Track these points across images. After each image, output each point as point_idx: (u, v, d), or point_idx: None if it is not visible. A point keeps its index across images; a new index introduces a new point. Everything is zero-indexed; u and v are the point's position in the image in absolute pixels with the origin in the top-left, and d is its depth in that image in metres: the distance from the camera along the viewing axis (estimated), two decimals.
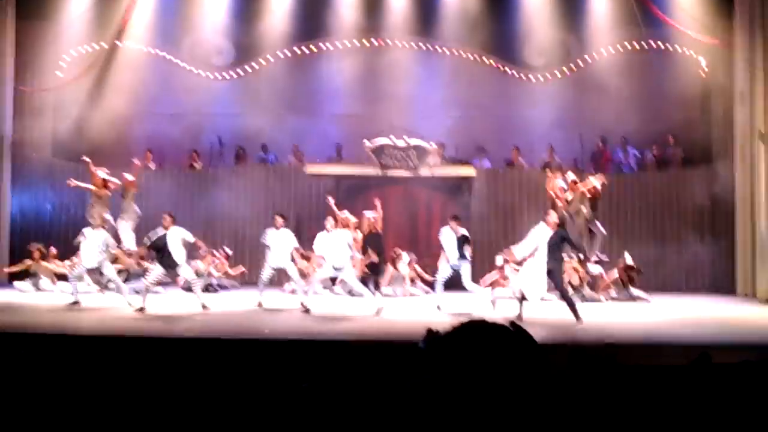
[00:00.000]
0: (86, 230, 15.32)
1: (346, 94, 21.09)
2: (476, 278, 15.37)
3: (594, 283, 16.77)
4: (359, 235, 16.74)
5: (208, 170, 20.58)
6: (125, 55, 20.69)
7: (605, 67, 20.45)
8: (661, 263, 19.02)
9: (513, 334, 2.51)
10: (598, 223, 17.16)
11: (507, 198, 19.75)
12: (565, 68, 20.97)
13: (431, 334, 2.99)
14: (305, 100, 21.29)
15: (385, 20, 21.13)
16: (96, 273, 15.83)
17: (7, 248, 18.76)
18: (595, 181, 17.08)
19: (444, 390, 2.44)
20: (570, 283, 15.74)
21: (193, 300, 14.25)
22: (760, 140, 17.52)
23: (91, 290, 16.55)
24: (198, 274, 15.63)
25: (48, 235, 19.09)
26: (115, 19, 20.53)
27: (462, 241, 14.69)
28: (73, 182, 17.28)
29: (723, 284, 18.66)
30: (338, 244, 14.37)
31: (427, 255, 18.49)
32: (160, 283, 15.29)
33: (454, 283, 15.07)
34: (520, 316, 12.93)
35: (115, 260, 16.48)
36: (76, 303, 14.54)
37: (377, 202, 16.94)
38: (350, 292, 16.22)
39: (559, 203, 16.32)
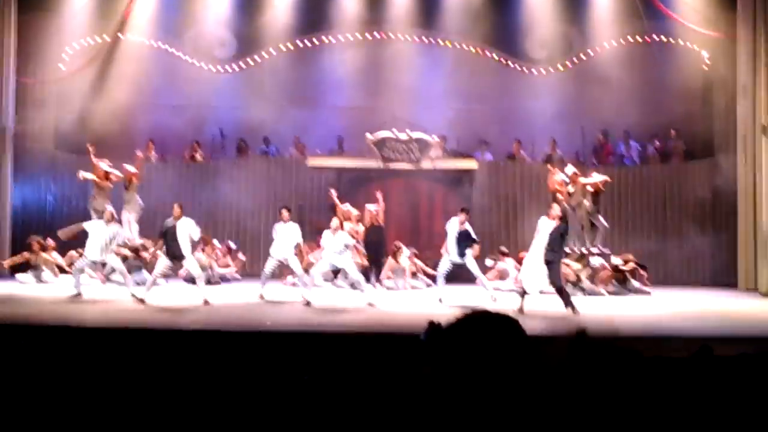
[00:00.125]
0: (93, 222, 15.31)
1: (348, 86, 21.08)
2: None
3: (594, 275, 16.76)
4: (361, 228, 16.76)
5: (209, 162, 20.59)
6: (128, 47, 20.68)
7: (607, 60, 20.43)
8: (662, 256, 19.03)
9: (514, 325, 2.52)
10: (599, 216, 17.17)
11: (508, 190, 19.76)
12: (567, 61, 20.96)
13: (432, 326, 3.00)
14: (307, 93, 21.29)
15: (387, 13, 21.11)
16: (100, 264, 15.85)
17: (9, 240, 18.76)
18: (599, 177, 17.10)
19: (445, 382, 2.45)
20: (566, 279, 15.76)
21: (195, 292, 14.26)
22: (762, 133, 17.51)
23: (92, 282, 16.56)
24: (202, 267, 15.64)
25: (50, 227, 19.06)
26: (118, 12, 20.52)
27: (463, 237, 14.69)
28: (82, 175, 17.33)
29: (724, 277, 18.65)
30: (339, 245, 14.44)
31: (429, 247, 18.50)
32: (163, 275, 15.29)
33: (455, 276, 15.09)
34: (521, 309, 12.94)
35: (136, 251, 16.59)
36: (78, 295, 14.55)
37: (379, 195, 16.94)
38: (352, 285, 16.23)
39: (560, 197, 16.31)
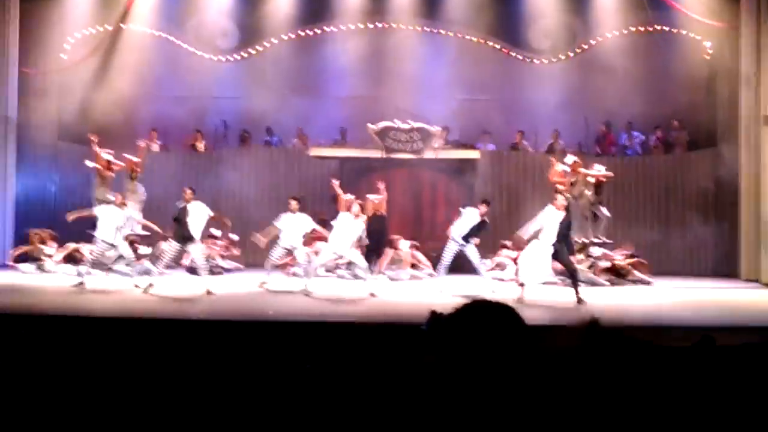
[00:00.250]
0: (103, 207, 15.32)
1: (351, 76, 21.06)
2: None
3: (596, 265, 16.75)
4: (363, 218, 16.76)
5: (212, 152, 20.60)
6: (130, 37, 20.66)
7: (610, 50, 20.38)
8: (664, 246, 19.03)
9: (512, 313, 2.53)
10: (601, 207, 17.17)
11: (511, 181, 19.75)
12: (570, 51, 20.92)
13: (434, 316, 3.01)
14: (310, 83, 21.28)
15: (389, 2, 21.07)
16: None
17: (12, 231, 18.78)
18: (601, 170, 17.11)
19: (446, 370, 2.46)
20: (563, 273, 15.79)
21: (197, 282, 14.27)
22: (765, 124, 17.50)
23: (94, 272, 16.58)
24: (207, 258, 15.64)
25: (53, 217, 19.08)
26: (120, 1, 20.51)
27: (477, 228, 14.74)
28: (88, 163, 17.36)
29: (726, 267, 18.66)
30: (357, 232, 14.46)
31: (431, 237, 18.51)
32: (167, 266, 15.31)
33: (456, 267, 15.10)
34: (521, 299, 12.97)
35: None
36: (80, 284, 14.57)
37: (381, 185, 16.93)
38: (355, 276, 16.25)
39: (561, 187, 16.30)
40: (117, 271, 16.35)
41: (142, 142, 18.39)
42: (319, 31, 21.25)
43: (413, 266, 17.66)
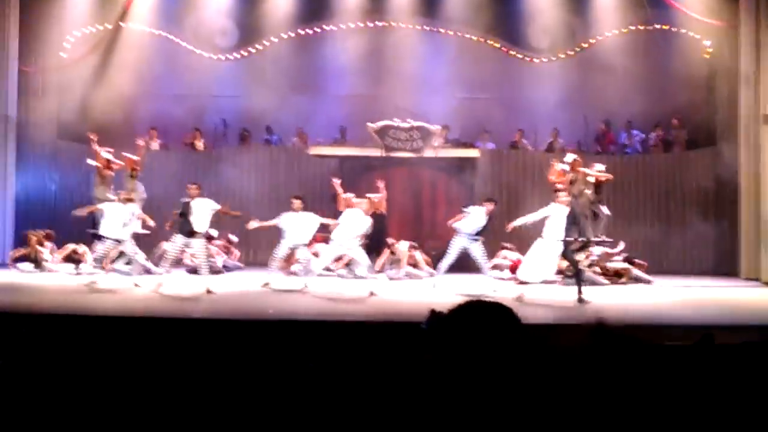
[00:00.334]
0: (108, 203, 15.31)
1: (351, 75, 21.07)
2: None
3: (596, 264, 16.75)
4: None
5: (212, 151, 20.61)
6: (129, 35, 20.66)
7: (610, 49, 20.39)
8: (664, 245, 19.06)
9: (508, 313, 2.54)
10: (601, 205, 17.17)
11: (511, 179, 19.76)
12: (569, 50, 20.92)
13: (434, 315, 3.02)
14: (309, 81, 21.30)
15: (389, 1, 21.08)
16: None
17: (12, 230, 18.78)
18: (601, 170, 17.11)
19: (444, 368, 2.47)
20: (562, 271, 15.80)
21: (198, 281, 14.26)
22: (764, 122, 17.50)
23: (96, 271, 16.57)
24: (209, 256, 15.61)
25: (53, 216, 19.11)
26: (119, 0, 20.51)
27: (486, 226, 14.78)
28: (89, 162, 17.35)
29: (726, 266, 18.68)
30: (365, 228, 14.45)
31: (431, 236, 18.53)
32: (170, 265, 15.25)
33: (458, 265, 15.10)
34: (521, 298, 12.98)
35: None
36: (92, 283, 14.54)
37: (381, 184, 16.90)
38: (355, 275, 16.25)
39: (561, 186, 16.29)
40: (117, 270, 16.34)
41: (142, 140, 18.37)
42: (318, 30, 21.26)
43: (414, 266, 17.66)
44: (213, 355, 5.08)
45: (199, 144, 20.76)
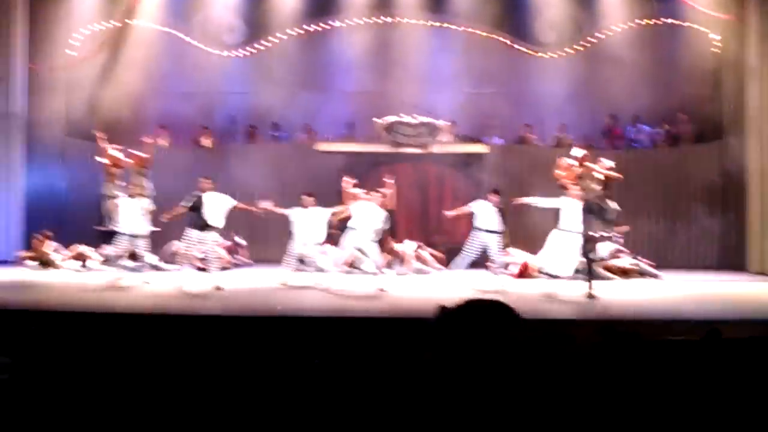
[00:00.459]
0: (123, 199, 15.31)
1: (358, 71, 21.09)
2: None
3: (604, 259, 16.74)
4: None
5: (220, 148, 20.64)
6: (137, 33, 20.71)
7: (617, 43, 20.38)
8: (671, 240, 19.04)
9: (506, 310, 2.56)
10: (609, 200, 17.14)
11: (519, 174, 19.73)
12: (576, 44, 20.90)
13: (443, 311, 3.03)
14: (317, 78, 21.32)
15: None
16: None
17: (22, 228, 18.84)
18: (610, 164, 17.07)
19: (445, 365, 2.49)
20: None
21: (206, 278, 14.27)
22: None
23: (104, 268, 16.62)
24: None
25: (62, 214, 19.18)
26: None
27: (500, 213, 14.73)
28: (98, 159, 17.38)
29: (734, 261, 18.66)
30: (380, 222, 14.42)
31: (438, 232, 18.55)
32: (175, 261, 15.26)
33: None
34: (552, 295, 12.98)
35: None
36: (118, 279, 14.58)
37: (389, 179, 16.84)
38: (362, 271, 16.24)
39: (568, 181, 16.28)
40: (123, 266, 16.35)
41: (149, 138, 18.39)
42: (325, 26, 21.28)
43: (424, 262, 17.68)
44: (222, 352, 5.11)
45: (207, 142, 20.78)
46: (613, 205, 17.18)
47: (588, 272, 13.55)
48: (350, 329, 9.49)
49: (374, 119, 18.92)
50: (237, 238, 18.46)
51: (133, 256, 15.37)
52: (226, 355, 4.87)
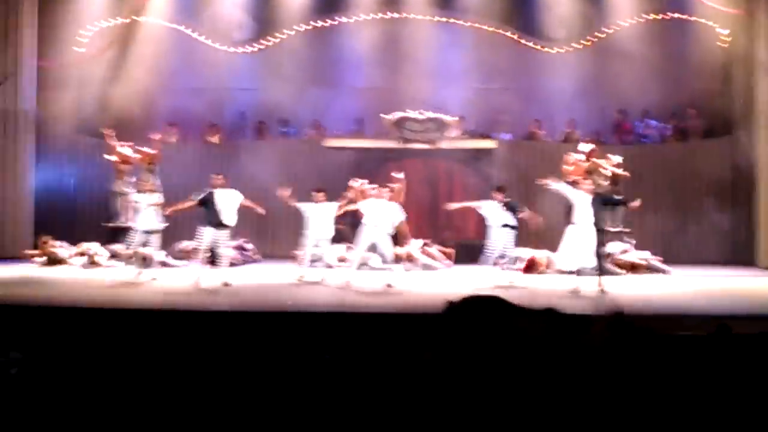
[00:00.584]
0: (139, 195, 15.31)
1: (366, 67, 21.09)
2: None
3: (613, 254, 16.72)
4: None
5: (229, 144, 20.65)
6: (146, 30, 20.73)
7: (626, 38, 20.33)
8: (681, 235, 18.99)
9: (508, 306, 2.56)
10: (618, 196, 17.14)
11: (528, 170, 19.69)
12: (585, 40, 20.85)
13: (451, 306, 3.03)
14: (326, 73, 21.33)
15: None
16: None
17: (31, 224, 18.89)
18: (618, 160, 17.07)
19: (445, 364, 2.48)
20: None
21: (216, 274, 14.22)
22: None
23: (112, 265, 16.65)
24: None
25: (72, 211, 19.24)
26: None
27: (512, 210, 14.68)
28: (107, 157, 17.44)
29: (743, 255, 18.62)
30: (394, 216, 14.39)
31: (448, 227, 18.56)
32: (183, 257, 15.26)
33: (474, 257, 15.08)
34: (576, 291, 12.98)
35: None
36: (139, 275, 14.59)
37: (399, 175, 16.70)
38: (371, 267, 16.23)
39: (576, 177, 16.27)
40: (133, 262, 16.37)
41: (157, 135, 18.44)
42: (334, 22, 21.27)
43: (432, 257, 17.67)
44: (231, 348, 5.12)
45: (215, 139, 20.78)
46: (621, 200, 17.17)
47: (598, 267, 13.53)
48: (359, 325, 9.49)
49: (383, 115, 18.92)
50: (244, 244, 18.32)
51: (143, 253, 15.36)
52: (234, 351, 4.88)
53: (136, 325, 8.71)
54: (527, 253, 16.72)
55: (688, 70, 20.00)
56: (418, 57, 20.65)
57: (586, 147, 17.15)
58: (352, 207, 15.15)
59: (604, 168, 17.06)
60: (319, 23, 21.28)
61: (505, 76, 21.18)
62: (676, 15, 20.16)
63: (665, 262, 16.94)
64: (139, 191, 15.16)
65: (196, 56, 20.95)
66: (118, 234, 17.24)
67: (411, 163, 18.99)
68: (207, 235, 14.18)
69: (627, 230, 17.19)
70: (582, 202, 13.57)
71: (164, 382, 4.06)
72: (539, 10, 20.97)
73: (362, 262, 15.44)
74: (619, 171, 17.20)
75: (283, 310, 11.19)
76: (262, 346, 5.36)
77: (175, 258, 17.25)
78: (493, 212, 14.70)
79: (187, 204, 14.39)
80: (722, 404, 3.39)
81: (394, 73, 20.59)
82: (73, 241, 17.73)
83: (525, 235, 16.09)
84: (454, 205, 15.27)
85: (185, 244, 17.00)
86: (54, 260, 17.26)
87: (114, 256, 17.09)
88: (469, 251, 15.71)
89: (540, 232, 15.58)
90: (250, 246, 18.41)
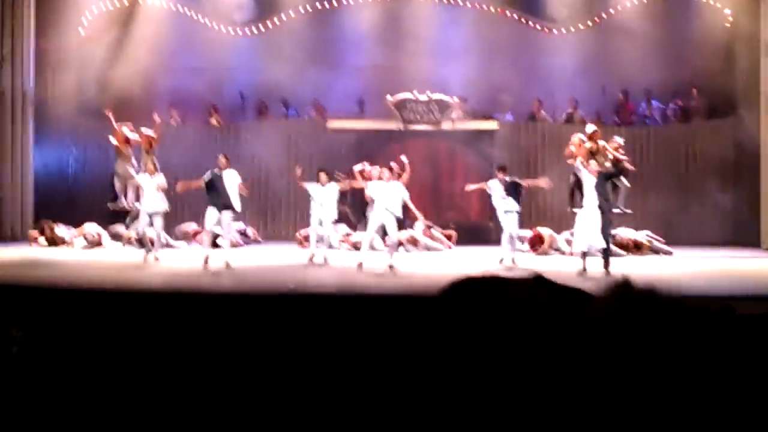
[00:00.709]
0: (143, 176, 15.25)
1: (367, 47, 20.98)
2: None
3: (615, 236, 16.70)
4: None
5: (229, 126, 20.59)
6: (146, 11, 20.65)
7: (628, 18, 20.23)
8: (684, 216, 18.94)
9: (506, 287, 2.52)
10: (622, 177, 17.09)
11: (530, 151, 19.68)
12: (588, 20, 20.75)
13: (453, 287, 3.00)
14: (327, 54, 21.21)
15: None
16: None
17: (31, 206, 18.88)
18: (620, 141, 17.02)
19: (444, 350, 2.45)
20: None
21: (219, 255, 14.18)
22: None
23: (114, 246, 16.66)
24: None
25: (72, 192, 19.23)
26: None
27: (515, 190, 14.64)
28: (110, 138, 17.41)
29: (746, 236, 18.57)
30: (397, 196, 14.32)
31: (450, 208, 18.53)
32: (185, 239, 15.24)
33: (478, 238, 15.05)
34: (583, 271, 12.98)
35: None
36: (147, 255, 14.59)
37: (404, 158, 16.40)
38: (371, 247, 16.19)
39: (580, 159, 16.21)
40: (136, 243, 16.36)
41: (158, 117, 18.37)
42: (335, 2, 21.16)
43: (433, 238, 17.65)
44: (233, 330, 5.10)
45: (214, 120, 20.71)
46: (625, 182, 17.13)
47: (606, 248, 13.52)
48: (361, 307, 9.47)
49: (386, 97, 18.86)
50: (247, 230, 18.27)
51: (147, 235, 15.32)
52: (237, 333, 4.86)
53: (138, 306, 8.69)
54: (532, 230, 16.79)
55: (691, 49, 19.92)
56: (420, 36, 20.54)
57: (589, 128, 17.09)
58: (357, 185, 15.09)
59: (608, 152, 16.98)
60: (320, 4, 21.16)
61: (508, 56, 21.06)
62: None
63: (668, 243, 16.93)
64: (150, 172, 15.07)
65: (197, 37, 20.86)
66: (119, 215, 17.24)
67: (413, 143, 18.95)
68: (211, 216, 14.15)
69: (629, 212, 17.14)
70: (589, 183, 13.54)
71: (167, 363, 4.03)
72: None
73: (370, 244, 15.44)
74: (622, 157, 17.12)
75: (286, 292, 11.16)
76: (264, 327, 5.33)
77: (178, 239, 17.24)
78: (498, 191, 14.68)
79: (196, 184, 14.33)
80: (726, 385, 3.34)
81: (396, 53, 20.48)
82: (74, 223, 17.72)
83: (528, 216, 16.09)
84: (471, 187, 15.22)
85: (187, 226, 16.97)
86: (55, 241, 17.26)
87: (115, 237, 17.08)
88: (471, 233, 15.66)
89: (543, 214, 15.54)
90: (250, 228, 18.39)
